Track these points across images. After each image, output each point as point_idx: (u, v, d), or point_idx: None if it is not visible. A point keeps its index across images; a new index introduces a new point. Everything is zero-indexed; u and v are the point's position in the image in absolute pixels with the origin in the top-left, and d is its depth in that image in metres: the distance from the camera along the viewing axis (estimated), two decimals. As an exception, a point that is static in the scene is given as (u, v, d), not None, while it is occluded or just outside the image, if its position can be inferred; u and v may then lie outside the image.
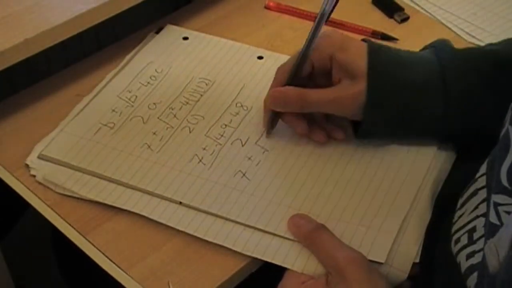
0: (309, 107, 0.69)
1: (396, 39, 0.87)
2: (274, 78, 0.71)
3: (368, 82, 0.66)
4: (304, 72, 0.70)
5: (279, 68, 0.71)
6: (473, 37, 0.88)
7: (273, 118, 0.72)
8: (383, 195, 0.67)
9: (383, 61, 0.67)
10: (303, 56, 0.69)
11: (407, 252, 0.63)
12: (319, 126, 0.72)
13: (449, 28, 0.89)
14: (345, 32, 0.87)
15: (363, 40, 0.70)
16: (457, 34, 0.89)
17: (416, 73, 0.67)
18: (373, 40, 0.71)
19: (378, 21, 0.90)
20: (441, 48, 0.69)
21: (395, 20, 0.90)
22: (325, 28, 0.69)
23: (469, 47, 0.71)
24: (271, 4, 0.92)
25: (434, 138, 0.72)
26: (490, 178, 0.59)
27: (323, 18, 0.68)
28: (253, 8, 0.92)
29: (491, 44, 0.73)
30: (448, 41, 0.71)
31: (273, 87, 0.71)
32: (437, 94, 0.67)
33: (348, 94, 0.67)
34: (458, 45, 0.71)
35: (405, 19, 0.90)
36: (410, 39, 0.87)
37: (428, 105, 0.67)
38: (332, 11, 0.68)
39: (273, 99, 0.70)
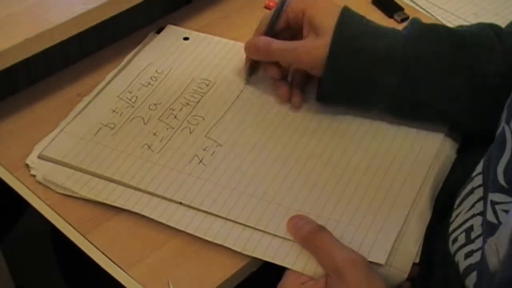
0: (272, 55, 0.74)
1: (396, 39, 0.87)
2: (258, 26, 0.77)
3: (332, 39, 0.69)
4: (279, 25, 0.75)
5: (262, 18, 0.77)
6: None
7: (253, 66, 0.78)
8: (384, 196, 0.67)
9: (351, 25, 0.71)
10: (278, 10, 0.75)
11: (407, 252, 0.63)
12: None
13: (449, 28, 0.90)
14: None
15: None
16: (457, 34, 0.89)
17: (379, 43, 0.70)
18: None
19: (378, 21, 0.88)
20: (410, 24, 0.72)
21: (395, 20, 0.90)
22: None
23: (438, 25, 0.73)
24: (271, 4, 0.92)
25: (388, 112, 0.73)
26: (486, 177, 0.59)
27: None
28: (253, 8, 0.92)
29: (462, 26, 0.75)
30: (420, 19, 0.73)
31: (254, 34, 0.77)
32: (396, 65, 0.69)
33: (307, 47, 0.71)
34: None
35: (405, 19, 0.90)
36: (410, 39, 0.86)
37: (385, 74, 0.70)
38: None
39: (246, 47, 0.76)
